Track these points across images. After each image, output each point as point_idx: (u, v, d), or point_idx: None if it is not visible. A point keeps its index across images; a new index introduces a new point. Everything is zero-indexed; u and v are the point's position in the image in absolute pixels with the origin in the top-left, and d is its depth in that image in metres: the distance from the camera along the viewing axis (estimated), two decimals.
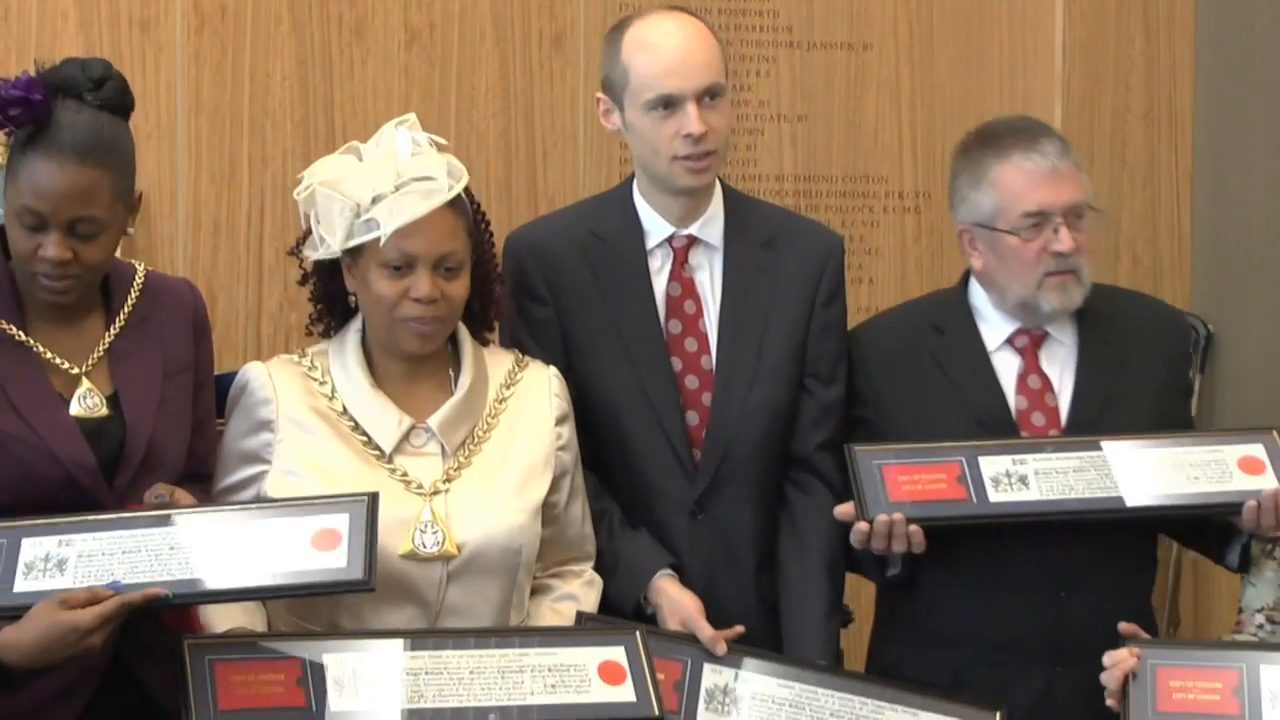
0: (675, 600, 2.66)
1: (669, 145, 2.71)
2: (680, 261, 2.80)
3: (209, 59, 3.54)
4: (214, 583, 2.35)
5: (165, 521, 2.38)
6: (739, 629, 2.65)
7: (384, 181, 2.46)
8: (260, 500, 2.51)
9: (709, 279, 2.81)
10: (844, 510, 2.66)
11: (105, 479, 2.49)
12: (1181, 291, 3.98)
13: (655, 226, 2.80)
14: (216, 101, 3.55)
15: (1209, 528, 2.76)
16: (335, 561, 2.39)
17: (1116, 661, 2.52)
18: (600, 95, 2.81)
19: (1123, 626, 2.57)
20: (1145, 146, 4.01)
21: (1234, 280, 3.93)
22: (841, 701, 2.61)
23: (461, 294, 2.54)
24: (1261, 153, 3.87)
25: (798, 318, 2.81)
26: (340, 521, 2.43)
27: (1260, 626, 2.78)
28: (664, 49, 2.71)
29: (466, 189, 2.57)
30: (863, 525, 2.61)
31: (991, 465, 2.65)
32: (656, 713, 2.42)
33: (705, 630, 2.61)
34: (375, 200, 2.45)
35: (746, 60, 3.80)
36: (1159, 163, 4.01)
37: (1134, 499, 2.65)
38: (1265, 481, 2.64)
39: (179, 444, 2.57)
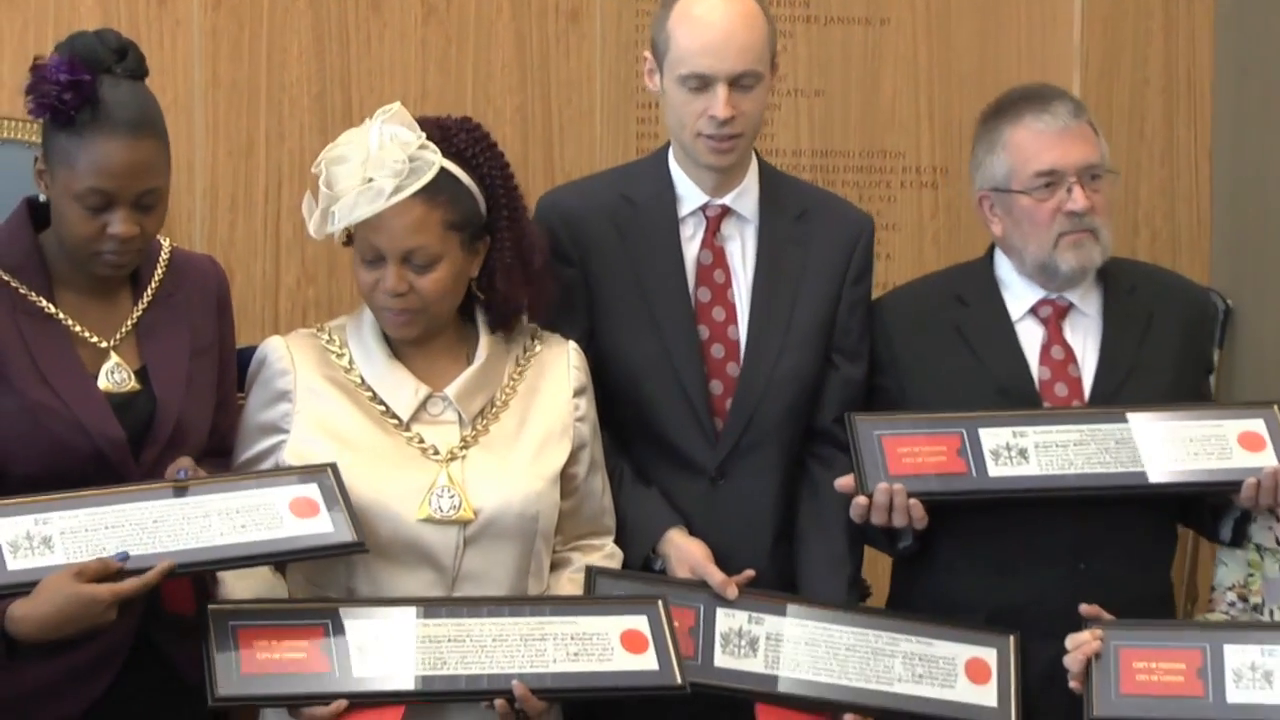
0: (683, 548, 2.69)
1: (694, 122, 2.72)
2: (713, 231, 2.82)
3: (226, 34, 3.54)
4: (215, 552, 2.38)
5: (141, 497, 2.41)
6: (749, 573, 2.67)
7: (346, 176, 2.48)
8: (237, 470, 2.55)
9: (740, 250, 2.83)
10: (844, 483, 2.67)
11: (133, 454, 2.50)
12: (1200, 266, 3.95)
13: (689, 194, 2.82)
14: (234, 76, 3.55)
15: (1202, 501, 2.75)
16: (321, 527, 2.44)
17: (1079, 644, 2.54)
18: (647, 54, 2.83)
19: (1084, 608, 2.59)
20: (1164, 120, 3.99)
21: (1253, 255, 3.91)
22: (856, 636, 2.63)
23: (436, 288, 2.53)
24: None
25: (828, 292, 2.82)
26: (311, 491, 2.47)
27: (1231, 604, 2.78)
28: (706, 27, 2.71)
29: (487, 174, 2.57)
30: (861, 499, 2.63)
31: (992, 438, 2.65)
32: (679, 682, 2.46)
33: (715, 575, 2.64)
34: (337, 196, 2.48)
35: None
36: (1178, 136, 3.99)
37: (1134, 476, 2.65)
38: (1265, 459, 2.64)
39: (204, 420, 2.60)
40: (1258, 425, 2.70)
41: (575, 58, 3.72)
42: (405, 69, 3.62)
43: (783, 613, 2.64)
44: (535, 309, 2.68)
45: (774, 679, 2.60)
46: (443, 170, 2.51)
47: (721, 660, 2.60)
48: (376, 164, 2.47)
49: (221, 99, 3.55)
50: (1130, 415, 2.69)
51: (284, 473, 2.51)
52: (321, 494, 2.47)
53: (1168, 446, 2.67)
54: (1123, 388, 2.75)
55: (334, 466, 2.49)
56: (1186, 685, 2.52)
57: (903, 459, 2.66)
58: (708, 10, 2.72)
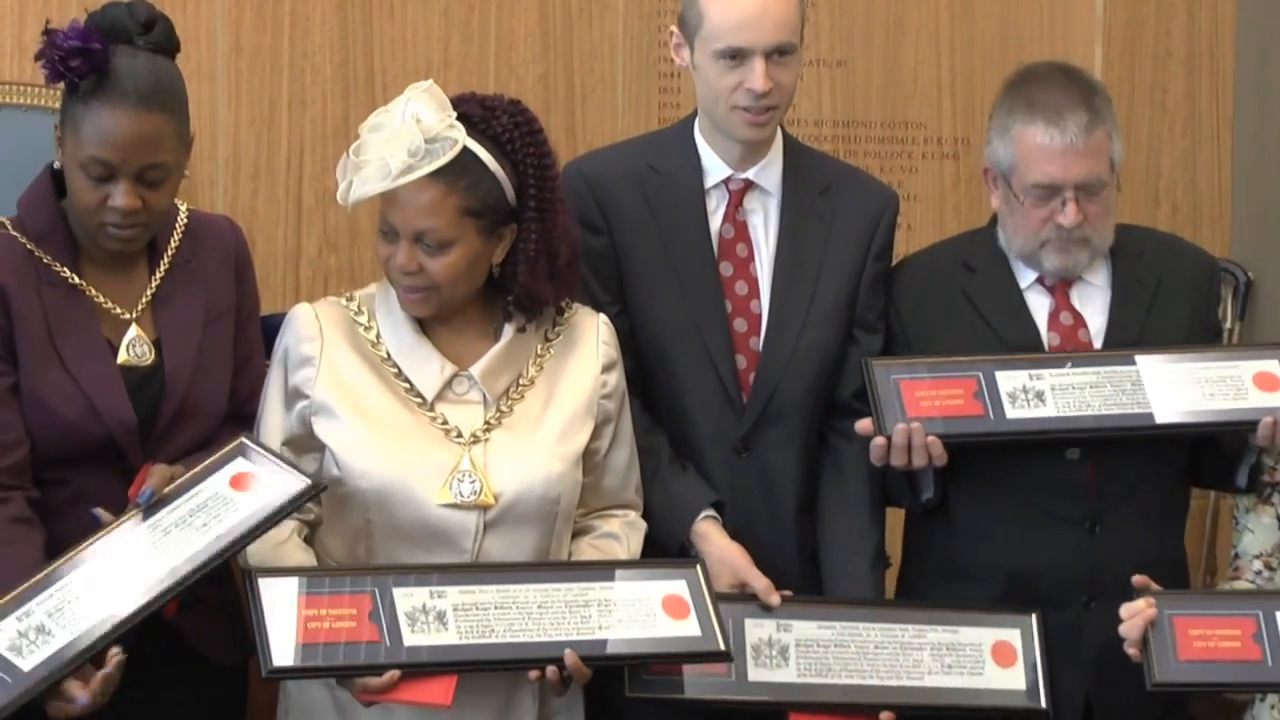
0: (724, 549, 2.69)
1: (731, 95, 2.71)
2: (735, 204, 2.82)
3: (249, 1, 3.53)
4: (204, 565, 2.34)
5: (92, 553, 2.35)
6: (787, 593, 2.66)
7: (377, 149, 2.46)
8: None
9: (762, 223, 2.83)
10: (863, 425, 2.68)
11: (142, 431, 2.51)
12: (1221, 239, 3.96)
13: (714, 167, 2.82)
14: (257, 44, 3.55)
15: (1218, 447, 2.77)
16: (274, 489, 2.41)
17: (1134, 613, 2.55)
18: (674, 29, 2.82)
19: (1136, 579, 2.59)
20: (1186, 92, 3.97)
21: (1274, 228, 3.91)
22: (884, 632, 2.64)
23: (446, 272, 2.51)
24: None
25: (852, 267, 2.83)
26: (244, 466, 2.44)
27: (1258, 573, 2.79)
28: (741, 1, 2.69)
29: (529, 173, 2.53)
30: (880, 440, 2.64)
31: (1009, 380, 2.67)
32: (722, 647, 2.47)
33: (760, 580, 2.64)
34: (362, 166, 2.46)
35: None
36: (1199, 109, 3.98)
37: (1154, 416, 2.67)
38: None
39: (218, 390, 2.60)
40: (1273, 365, 2.72)
41: (598, 27, 3.71)
42: (428, 37, 3.62)
43: (810, 617, 2.64)
44: (558, 304, 2.65)
45: (810, 687, 2.60)
46: (465, 152, 2.48)
47: (755, 674, 2.59)
48: (392, 141, 2.45)
49: (244, 66, 3.54)
50: (1145, 358, 2.71)
51: (210, 463, 2.46)
52: (253, 465, 2.45)
53: (1183, 388, 2.69)
54: None
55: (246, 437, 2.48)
56: (1244, 650, 2.53)
57: (920, 402, 2.68)
58: None
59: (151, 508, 2.39)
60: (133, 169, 2.43)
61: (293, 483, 2.42)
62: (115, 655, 2.25)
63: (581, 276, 2.69)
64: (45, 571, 2.34)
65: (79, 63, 2.41)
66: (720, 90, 2.72)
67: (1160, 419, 2.68)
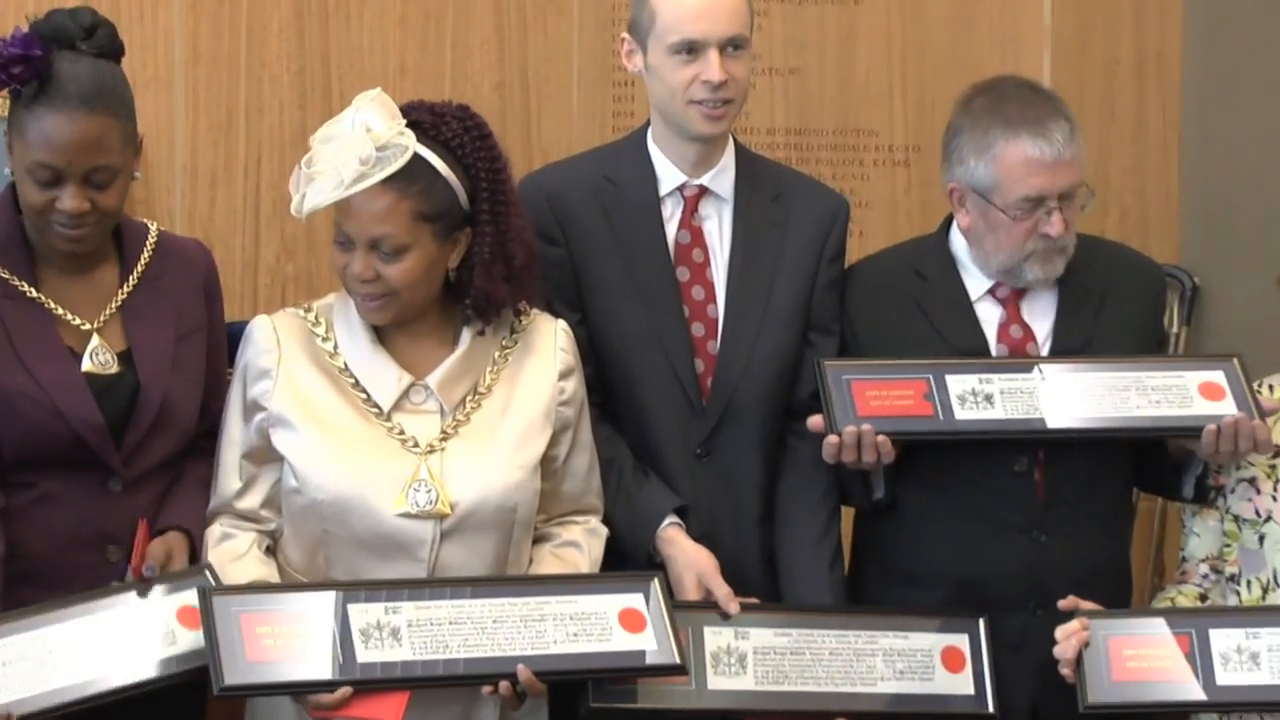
0: (690, 555, 2.70)
1: (687, 89, 2.73)
2: (690, 211, 2.84)
3: (206, 8, 3.53)
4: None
5: (27, 628, 2.35)
6: (751, 600, 2.69)
7: (328, 159, 2.46)
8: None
9: (717, 229, 2.85)
10: (814, 422, 2.70)
11: (114, 437, 2.52)
12: (1169, 244, 3.96)
13: (668, 174, 2.84)
14: (214, 51, 3.54)
15: (1166, 460, 2.80)
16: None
17: (1069, 634, 2.57)
18: (625, 36, 2.84)
19: (1062, 603, 2.63)
20: (1134, 100, 3.98)
21: (1220, 234, 3.92)
22: (838, 639, 2.66)
23: (404, 277, 2.51)
24: (1249, 107, 3.86)
25: (806, 271, 2.85)
26: (194, 599, 2.41)
27: (1205, 576, 2.83)
28: None
29: (481, 176, 2.53)
30: (832, 439, 2.66)
31: (959, 383, 2.70)
32: (678, 661, 2.48)
33: (721, 588, 2.66)
34: (314, 177, 2.46)
35: None
36: (1147, 116, 3.98)
37: (1098, 420, 2.69)
38: (1225, 407, 2.69)
39: (191, 403, 2.61)
40: (1218, 376, 2.74)
41: (553, 36, 3.72)
42: (384, 45, 3.62)
43: (766, 624, 2.66)
44: (515, 306, 2.65)
45: (768, 695, 2.62)
46: (416, 158, 2.48)
47: (715, 682, 2.60)
48: (343, 151, 2.45)
49: (202, 74, 3.54)
50: (1092, 364, 2.74)
51: (170, 579, 2.46)
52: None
53: (1129, 395, 2.71)
54: None
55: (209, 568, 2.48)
56: (1176, 671, 2.56)
57: (870, 401, 2.70)
58: None
59: (138, 591, 2.42)
60: (79, 171, 2.45)
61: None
62: None
63: (539, 280, 2.69)
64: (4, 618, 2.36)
65: (21, 69, 2.43)
66: (676, 85, 2.74)
67: (1115, 424, 2.70)
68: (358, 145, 2.45)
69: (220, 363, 2.70)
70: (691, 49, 2.72)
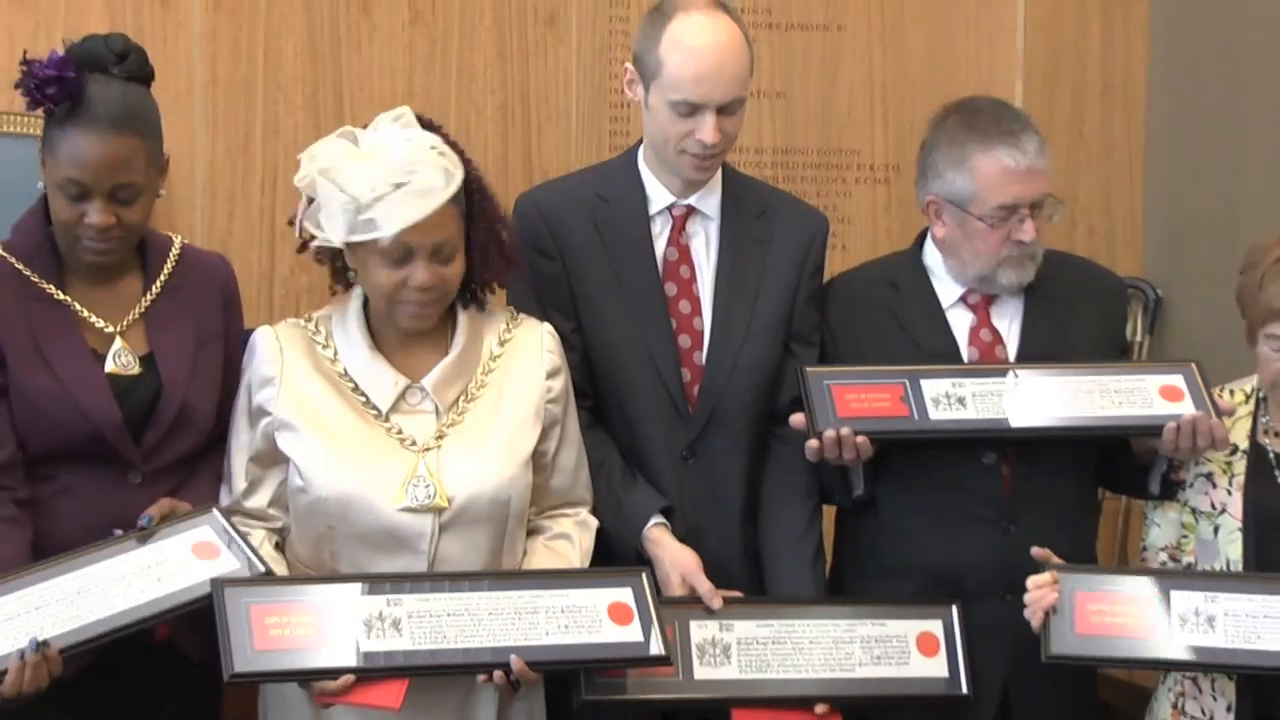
0: (675, 554, 2.74)
1: (681, 141, 2.77)
2: (678, 229, 2.88)
3: (225, 34, 3.57)
4: (137, 613, 2.39)
5: (57, 573, 2.41)
6: (735, 594, 2.73)
7: (382, 180, 2.45)
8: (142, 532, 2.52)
9: (704, 246, 2.89)
10: (797, 419, 2.75)
11: (133, 436, 2.57)
12: (1133, 259, 4.01)
13: (658, 194, 2.87)
14: (232, 75, 3.58)
15: (1133, 462, 2.85)
16: (229, 565, 2.47)
17: (1039, 584, 2.62)
18: (629, 66, 2.84)
19: (1036, 550, 2.66)
20: (1101, 122, 4.03)
21: (1183, 248, 3.96)
22: (818, 628, 2.71)
23: (456, 275, 2.57)
24: (1210, 129, 3.90)
25: (788, 284, 2.90)
26: (206, 534, 2.50)
27: (1163, 564, 2.88)
28: (700, 57, 2.73)
29: (466, 162, 2.60)
30: (813, 442, 2.70)
31: (933, 387, 2.74)
32: (663, 652, 2.51)
33: (704, 584, 2.69)
34: (375, 200, 2.45)
35: None
36: (1114, 137, 4.03)
37: (1064, 419, 2.74)
38: (1184, 407, 2.74)
39: (209, 407, 2.67)
40: (1178, 380, 2.80)
41: (552, 60, 3.75)
42: (393, 69, 3.66)
43: (749, 616, 2.68)
44: (505, 279, 2.70)
45: (751, 683, 2.64)
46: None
47: (701, 673, 2.62)
48: (415, 165, 2.46)
49: (220, 96, 3.57)
50: (1059, 369, 2.80)
51: (176, 523, 2.51)
52: (215, 535, 2.49)
53: (1094, 397, 2.77)
54: None
55: (218, 508, 2.54)
56: (1137, 628, 2.58)
57: (850, 404, 2.73)
58: (701, 41, 2.73)
59: (137, 539, 2.47)
60: (105, 188, 2.50)
61: (245, 567, 2.47)
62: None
63: (536, 295, 2.78)
64: (12, 576, 2.40)
65: (55, 90, 2.50)
66: (671, 135, 2.77)
67: (1082, 424, 2.75)
68: (431, 159, 2.49)
69: (238, 369, 2.71)
70: (690, 109, 2.74)
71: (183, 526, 2.49)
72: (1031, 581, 2.63)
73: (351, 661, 2.38)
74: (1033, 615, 2.61)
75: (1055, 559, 2.66)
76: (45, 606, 2.36)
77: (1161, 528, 2.89)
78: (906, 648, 2.72)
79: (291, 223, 2.63)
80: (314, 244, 2.57)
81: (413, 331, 2.62)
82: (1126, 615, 2.58)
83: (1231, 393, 2.87)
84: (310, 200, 2.54)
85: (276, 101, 3.64)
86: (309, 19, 3.64)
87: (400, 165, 2.47)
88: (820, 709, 2.65)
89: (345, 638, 2.39)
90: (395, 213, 2.46)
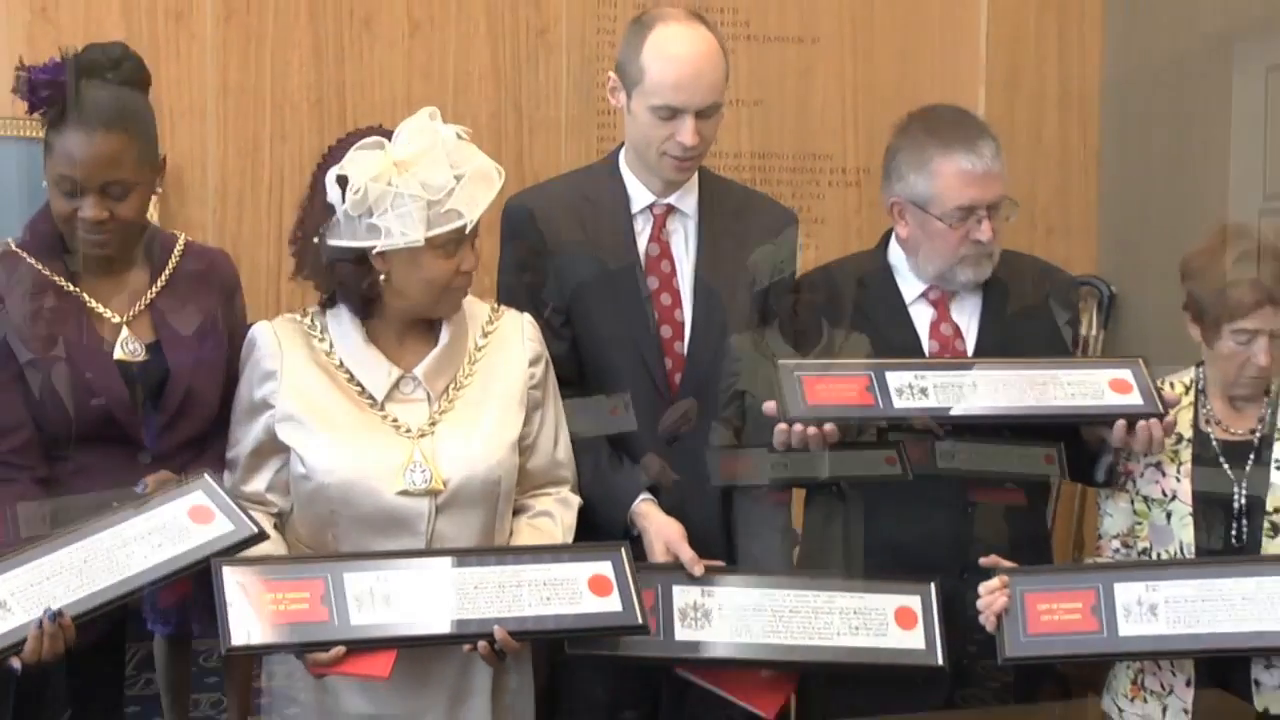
0: (661, 525, 2.78)
1: (662, 144, 2.84)
2: (659, 226, 2.93)
3: (236, 46, 3.70)
4: (140, 579, 2.41)
5: (63, 544, 2.42)
6: (718, 563, 2.77)
7: (449, 174, 2.48)
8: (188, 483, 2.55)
9: (683, 242, 2.94)
10: (769, 407, 2.73)
11: (145, 420, 2.65)
12: (1088, 256, 4.11)
13: (639, 194, 2.93)
14: (242, 84, 3.71)
15: (1083, 451, 2.86)
16: (224, 528, 2.48)
17: (990, 590, 2.63)
18: (612, 75, 2.90)
19: (984, 560, 2.69)
20: (1059, 129, 4.14)
21: (1134, 247, 4.07)
22: (798, 598, 2.73)
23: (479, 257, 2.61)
24: (1160, 136, 4.02)
25: (761, 276, 2.94)
26: (200, 499, 2.51)
27: (1116, 551, 2.90)
28: (679, 64, 2.79)
29: None
30: (783, 425, 2.71)
31: (897, 379, 2.79)
32: (640, 621, 2.53)
33: (686, 552, 2.73)
34: (448, 193, 2.47)
35: None
36: (1070, 143, 4.15)
37: (1020, 409, 2.77)
38: (1132, 399, 2.77)
39: (213, 392, 2.71)
40: (1126, 374, 2.82)
41: (544, 71, 3.85)
42: (393, 79, 3.76)
43: (731, 584, 2.70)
44: None
45: (730, 646, 2.66)
46: None
47: (682, 634, 2.65)
48: (470, 155, 2.51)
49: (231, 104, 3.68)
50: (1016, 362, 2.81)
51: (171, 491, 2.51)
52: (209, 499, 2.51)
53: (1047, 388, 2.78)
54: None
55: (210, 473, 2.54)
56: (1084, 622, 2.59)
57: (819, 393, 2.74)
58: (680, 49, 2.79)
59: (134, 508, 2.49)
60: (96, 184, 2.54)
61: (244, 529, 2.48)
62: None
63: (526, 290, 2.86)
64: (24, 548, 2.42)
65: (48, 92, 2.55)
66: (652, 139, 2.83)
67: (1036, 411, 2.76)
68: (472, 148, 2.53)
69: (239, 357, 2.70)
70: (670, 113, 2.79)
71: (178, 493, 2.52)
72: (983, 588, 2.65)
73: (343, 634, 2.41)
74: (986, 621, 2.63)
75: (1005, 563, 2.68)
76: (57, 575, 2.38)
77: (1114, 517, 2.92)
78: (885, 620, 2.74)
79: (294, 242, 2.62)
80: (375, 250, 2.50)
81: (448, 318, 2.65)
82: (1074, 612, 2.60)
83: (1172, 385, 2.91)
84: (331, 213, 2.51)
85: (283, 109, 3.76)
86: (314, 32, 3.76)
87: (455, 156, 2.51)
88: (765, 674, 2.69)
89: (337, 612, 2.43)
90: (472, 199, 2.50)
